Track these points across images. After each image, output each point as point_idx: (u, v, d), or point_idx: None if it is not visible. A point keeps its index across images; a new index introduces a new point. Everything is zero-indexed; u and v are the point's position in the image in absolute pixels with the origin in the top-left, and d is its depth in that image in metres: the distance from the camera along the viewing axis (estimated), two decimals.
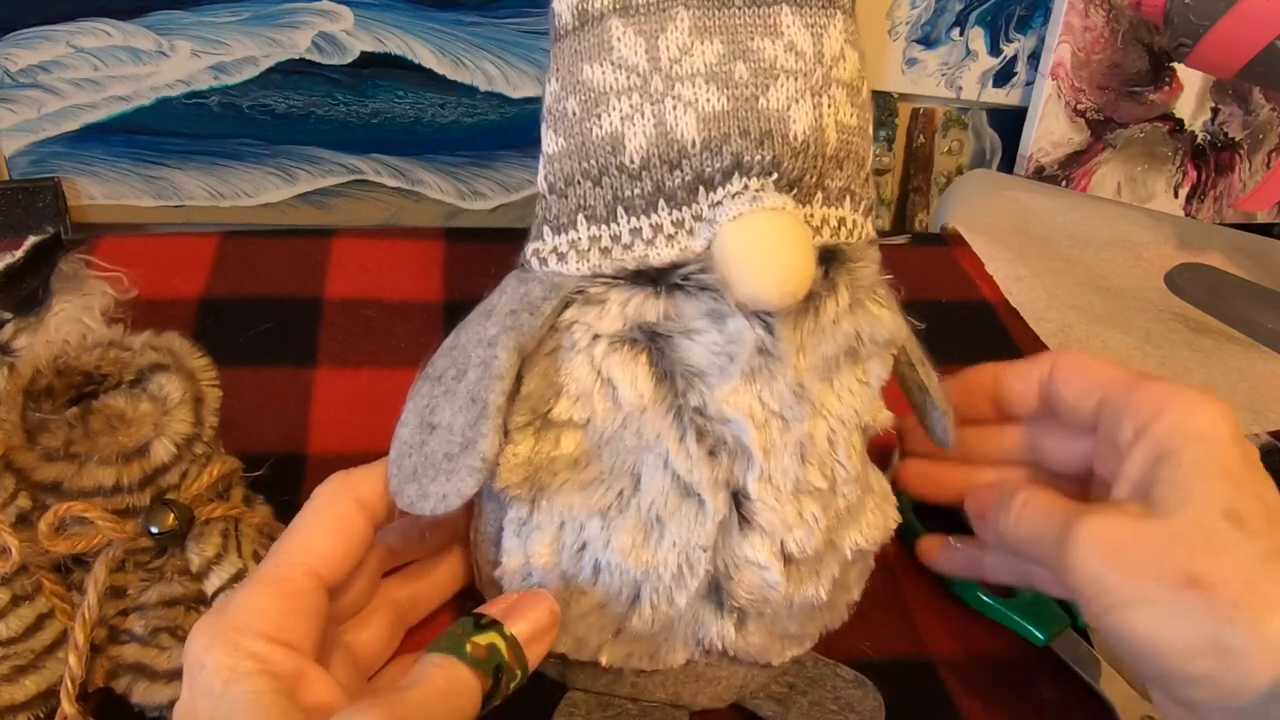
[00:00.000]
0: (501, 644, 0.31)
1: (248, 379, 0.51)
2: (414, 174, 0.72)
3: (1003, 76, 0.79)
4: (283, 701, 0.29)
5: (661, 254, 0.32)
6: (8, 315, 0.47)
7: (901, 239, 0.72)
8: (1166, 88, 0.79)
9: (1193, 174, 0.83)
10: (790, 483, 0.34)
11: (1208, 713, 0.32)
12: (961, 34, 0.77)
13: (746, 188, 0.31)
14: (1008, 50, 0.78)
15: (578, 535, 0.34)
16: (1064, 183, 0.81)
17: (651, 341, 0.33)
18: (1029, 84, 0.79)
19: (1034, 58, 0.78)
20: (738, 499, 0.34)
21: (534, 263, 0.34)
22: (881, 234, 0.79)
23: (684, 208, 0.32)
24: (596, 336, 0.33)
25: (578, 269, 0.33)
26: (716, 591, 0.35)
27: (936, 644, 0.44)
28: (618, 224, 0.33)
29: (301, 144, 0.70)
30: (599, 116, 0.32)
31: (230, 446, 0.40)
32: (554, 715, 0.38)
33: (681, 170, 0.32)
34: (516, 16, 0.68)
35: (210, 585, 0.36)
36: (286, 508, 0.42)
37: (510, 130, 0.71)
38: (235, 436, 0.41)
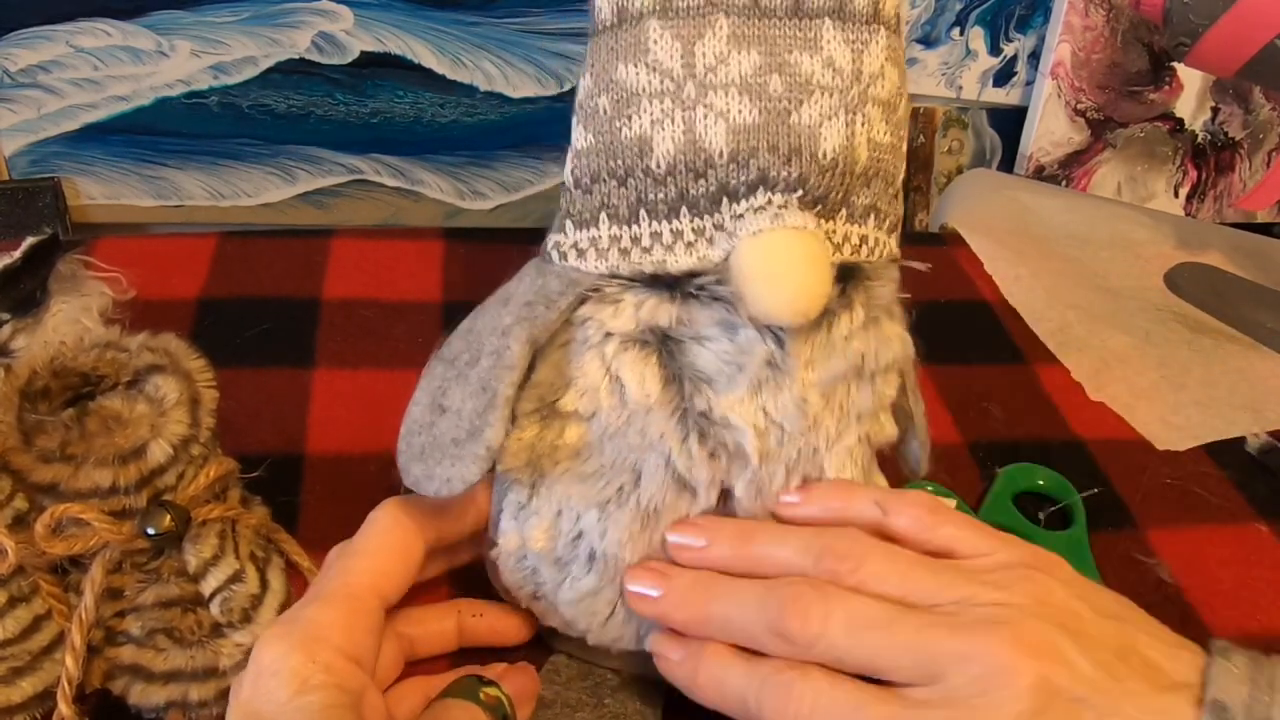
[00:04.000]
0: (504, 698, 0.34)
1: (246, 380, 0.51)
2: (414, 174, 0.72)
3: (1003, 76, 0.79)
4: (349, 717, 0.29)
5: (680, 261, 0.32)
6: (5, 316, 0.47)
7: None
8: (1166, 87, 0.79)
9: (1193, 173, 0.83)
10: (775, 491, 0.35)
11: None
12: (961, 33, 0.77)
13: (770, 203, 0.31)
14: (1008, 50, 0.78)
15: (574, 524, 0.35)
16: (1064, 182, 0.81)
17: (662, 344, 0.34)
18: (1029, 84, 0.79)
19: (1034, 57, 0.78)
20: (724, 496, 0.35)
21: (554, 255, 0.35)
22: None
23: (706, 216, 0.32)
24: (609, 334, 0.33)
25: (595, 267, 0.34)
26: None
27: None
28: (639, 226, 0.33)
29: (301, 144, 0.70)
30: (629, 117, 0.32)
31: (228, 447, 0.40)
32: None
33: (706, 180, 0.32)
34: (516, 16, 0.68)
35: (207, 586, 0.36)
36: (284, 508, 0.42)
37: (510, 130, 0.71)
38: (233, 437, 0.40)
